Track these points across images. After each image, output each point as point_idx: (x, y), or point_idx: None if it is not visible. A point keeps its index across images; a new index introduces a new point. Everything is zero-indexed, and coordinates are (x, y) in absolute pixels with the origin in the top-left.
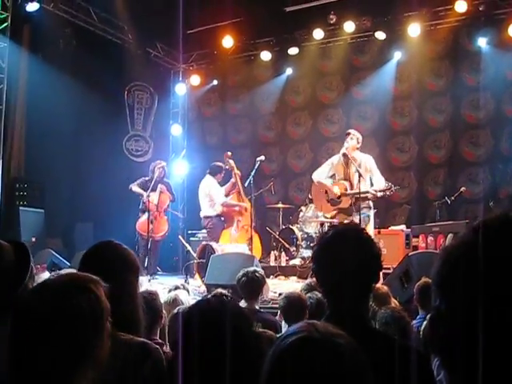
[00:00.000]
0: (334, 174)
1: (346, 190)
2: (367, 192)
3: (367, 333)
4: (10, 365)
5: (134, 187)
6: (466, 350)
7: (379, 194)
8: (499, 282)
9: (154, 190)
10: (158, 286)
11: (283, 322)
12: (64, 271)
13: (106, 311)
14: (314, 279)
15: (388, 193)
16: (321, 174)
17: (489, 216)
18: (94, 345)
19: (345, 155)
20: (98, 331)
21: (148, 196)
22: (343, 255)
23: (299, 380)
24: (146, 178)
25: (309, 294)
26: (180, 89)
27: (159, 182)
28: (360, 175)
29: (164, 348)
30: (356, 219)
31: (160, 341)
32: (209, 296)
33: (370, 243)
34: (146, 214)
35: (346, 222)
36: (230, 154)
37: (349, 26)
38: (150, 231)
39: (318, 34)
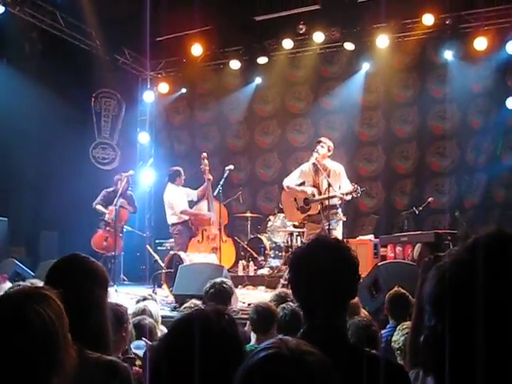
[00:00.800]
0: (303, 182)
1: (314, 195)
2: (334, 196)
3: (344, 347)
4: None
5: (98, 206)
6: (461, 370)
7: (346, 197)
8: (496, 300)
9: (115, 204)
10: (126, 296)
11: (252, 333)
12: (28, 281)
13: (65, 324)
14: (283, 290)
15: (354, 195)
16: (291, 181)
17: (482, 233)
18: (56, 359)
19: (316, 162)
20: (59, 344)
21: (107, 214)
22: (322, 266)
23: None
24: (109, 190)
25: (283, 305)
26: (148, 96)
27: (121, 195)
28: (329, 184)
29: (136, 363)
30: (325, 227)
31: (132, 355)
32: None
33: (350, 255)
34: (103, 229)
35: (314, 232)
36: (205, 154)
37: (318, 37)
38: (105, 248)
39: (288, 43)
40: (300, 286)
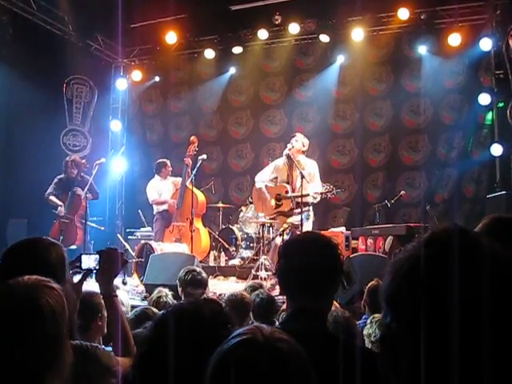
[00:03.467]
0: (276, 177)
1: (287, 192)
2: (308, 195)
3: (323, 334)
4: None
5: (51, 197)
6: (416, 369)
7: (319, 197)
8: (448, 296)
9: (66, 191)
10: (95, 285)
11: None
12: None
13: (66, 317)
14: (257, 281)
15: (329, 195)
16: (263, 177)
17: (437, 227)
18: (60, 350)
19: (289, 157)
20: (63, 336)
21: (62, 206)
22: (308, 258)
23: (238, 379)
24: (60, 177)
25: (256, 292)
26: (121, 84)
27: (74, 181)
28: (303, 176)
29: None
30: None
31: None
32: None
33: (337, 252)
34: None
35: (285, 225)
36: (192, 138)
37: (293, 28)
38: (61, 241)
39: (263, 34)
40: (288, 274)
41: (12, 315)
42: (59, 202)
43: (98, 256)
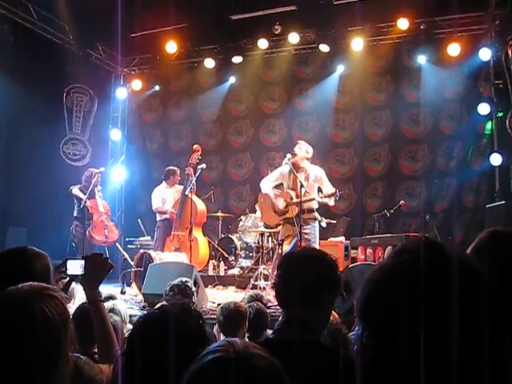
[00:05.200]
0: (281, 184)
1: (292, 199)
2: (313, 199)
3: (314, 344)
4: None
5: (75, 190)
6: (390, 376)
7: (329, 201)
8: (420, 308)
9: (91, 197)
10: None
11: (221, 334)
12: None
13: (68, 326)
14: (257, 291)
15: (333, 198)
16: (268, 183)
17: (409, 239)
18: (55, 359)
19: (294, 164)
20: (59, 346)
21: (85, 202)
22: (304, 270)
23: None
24: (79, 187)
25: (250, 303)
26: (121, 93)
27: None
28: (301, 185)
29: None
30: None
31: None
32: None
33: (332, 264)
34: (94, 220)
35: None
36: (195, 146)
37: (293, 38)
38: (106, 237)
39: (263, 43)
40: (283, 285)
41: (4, 323)
42: (82, 196)
43: (83, 262)
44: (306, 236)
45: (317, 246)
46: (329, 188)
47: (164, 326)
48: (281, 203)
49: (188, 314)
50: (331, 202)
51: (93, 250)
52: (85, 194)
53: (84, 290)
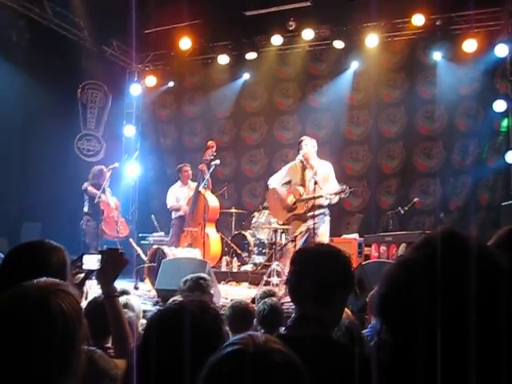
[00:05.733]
0: (290, 180)
1: (301, 195)
2: (321, 196)
3: (326, 340)
4: None
5: (90, 187)
6: (409, 373)
7: (334, 198)
8: (441, 303)
9: (103, 193)
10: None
11: (229, 331)
12: None
13: (82, 322)
14: (270, 287)
15: (343, 195)
16: (277, 180)
17: (430, 233)
18: (70, 357)
19: (302, 162)
20: (74, 343)
21: (100, 197)
22: (318, 266)
23: None
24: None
25: (264, 300)
26: (135, 89)
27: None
28: (316, 182)
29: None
30: (310, 226)
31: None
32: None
33: (346, 260)
34: (105, 215)
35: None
36: (210, 142)
37: (307, 34)
38: (118, 232)
39: (277, 39)
40: (296, 281)
41: (20, 318)
42: (97, 192)
43: (99, 256)
44: (316, 230)
45: (326, 241)
46: (333, 185)
47: (180, 321)
48: (289, 199)
49: (205, 310)
50: (335, 199)
51: (103, 245)
52: (97, 190)
53: (100, 284)
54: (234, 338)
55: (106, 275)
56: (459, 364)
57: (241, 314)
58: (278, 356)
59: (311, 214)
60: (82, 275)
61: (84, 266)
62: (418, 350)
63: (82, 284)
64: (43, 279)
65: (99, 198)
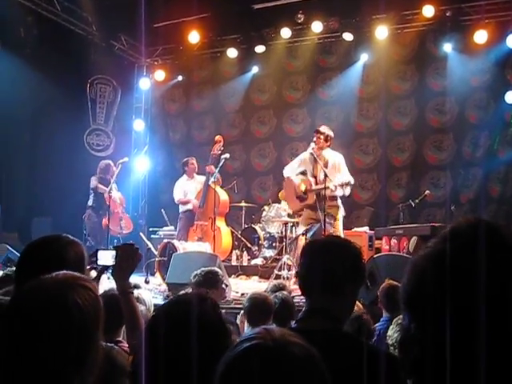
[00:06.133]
0: (305, 170)
1: (311, 185)
2: (328, 187)
3: (337, 333)
4: None
5: (99, 185)
6: (439, 373)
7: (345, 189)
8: (472, 295)
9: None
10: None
11: (246, 323)
12: None
13: (100, 318)
14: (280, 281)
15: (349, 187)
16: (291, 170)
17: (456, 221)
18: (86, 352)
19: (312, 154)
20: (91, 338)
21: (110, 193)
22: (329, 258)
23: None
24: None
25: (275, 293)
26: (144, 83)
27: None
28: (325, 175)
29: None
30: (321, 216)
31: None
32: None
33: (357, 252)
34: (110, 211)
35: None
36: (217, 137)
37: (316, 26)
38: (121, 228)
39: (286, 32)
40: (307, 273)
41: (37, 312)
42: (105, 188)
43: (114, 252)
44: (326, 223)
45: (340, 234)
46: (345, 176)
47: (179, 311)
48: (302, 186)
49: (203, 299)
50: (347, 191)
51: (106, 240)
52: (105, 185)
53: (115, 280)
54: (249, 333)
55: (122, 271)
56: (500, 363)
57: (260, 305)
58: (296, 349)
59: (322, 204)
60: (98, 271)
61: (99, 262)
62: (453, 349)
63: (97, 279)
64: (63, 272)
65: (109, 193)
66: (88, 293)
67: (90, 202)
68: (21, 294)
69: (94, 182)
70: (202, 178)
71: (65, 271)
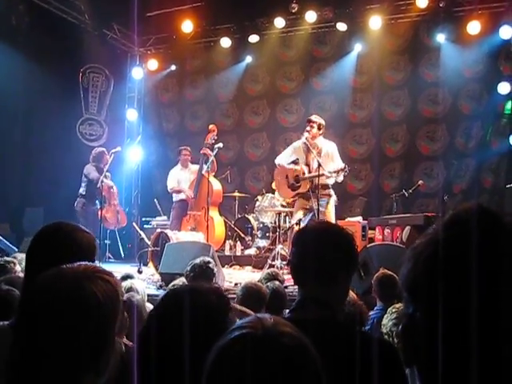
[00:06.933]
0: (297, 159)
1: (304, 174)
2: (322, 175)
3: (331, 322)
4: (11, 362)
5: (94, 173)
6: (443, 361)
7: (338, 177)
8: (471, 281)
9: (104, 176)
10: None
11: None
12: (12, 256)
13: (118, 311)
14: (273, 269)
15: (343, 173)
16: (283, 159)
17: (458, 208)
18: (103, 345)
19: (305, 143)
20: (108, 331)
21: (102, 182)
22: (321, 246)
23: (236, 377)
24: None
25: (267, 283)
26: (137, 73)
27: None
28: (319, 164)
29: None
30: (314, 205)
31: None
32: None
33: (349, 239)
34: (107, 202)
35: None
36: (211, 126)
37: (310, 16)
38: (118, 221)
39: (280, 22)
40: (299, 261)
41: (53, 303)
42: (98, 175)
43: None
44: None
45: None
46: (338, 164)
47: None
48: (294, 172)
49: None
50: (339, 178)
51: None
52: (99, 173)
53: None
54: (241, 321)
55: None
56: (495, 348)
57: (253, 295)
58: (287, 339)
59: (315, 193)
60: None
61: None
62: (460, 338)
63: None
64: (84, 263)
65: (102, 182)
66: (107, 286)
67: (81, 191)
68: (39, 284)
69: (93, 172)
70: (196, 167)
71: (86, 262)
